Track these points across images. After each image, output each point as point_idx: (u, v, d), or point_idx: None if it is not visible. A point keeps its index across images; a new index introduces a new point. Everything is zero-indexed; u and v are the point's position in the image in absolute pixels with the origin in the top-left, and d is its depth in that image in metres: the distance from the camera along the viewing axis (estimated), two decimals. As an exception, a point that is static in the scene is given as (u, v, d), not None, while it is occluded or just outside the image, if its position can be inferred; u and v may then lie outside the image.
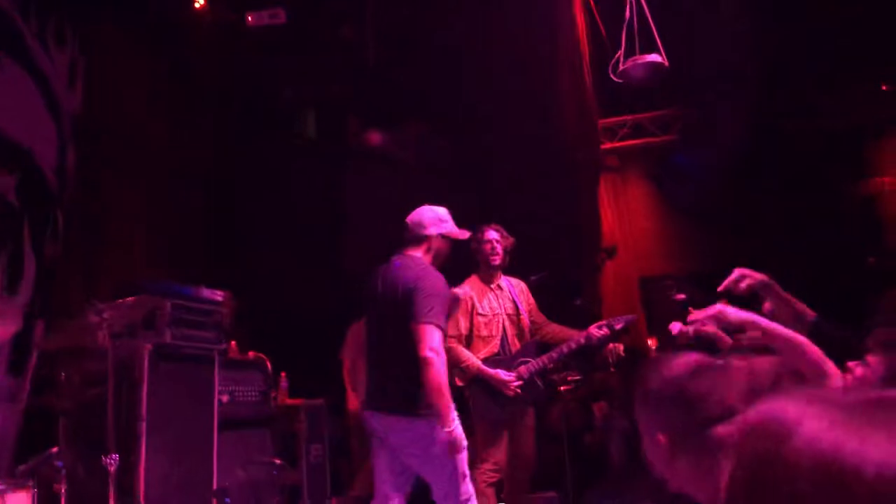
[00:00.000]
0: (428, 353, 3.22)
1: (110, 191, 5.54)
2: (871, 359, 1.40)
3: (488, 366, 4.45)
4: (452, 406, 3.29)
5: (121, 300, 3.34)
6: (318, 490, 5.37)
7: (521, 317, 4.65)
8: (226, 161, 6.72)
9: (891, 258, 8.61)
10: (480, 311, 4.56)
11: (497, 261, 4.59)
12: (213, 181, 6.60)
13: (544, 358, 4.55)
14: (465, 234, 3.77)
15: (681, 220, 8.96)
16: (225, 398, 4.56)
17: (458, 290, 3.85)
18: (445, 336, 3.45)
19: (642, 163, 9.17)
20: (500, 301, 4.64)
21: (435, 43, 7.27)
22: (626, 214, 9.07)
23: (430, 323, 3.28)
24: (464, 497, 3.33)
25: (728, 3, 6.63)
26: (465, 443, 3.33)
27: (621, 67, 5.35)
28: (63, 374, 3.97)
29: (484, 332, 4.54)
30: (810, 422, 0.67)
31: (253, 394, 4.91)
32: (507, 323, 4.59)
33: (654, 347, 9.60)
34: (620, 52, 5.33)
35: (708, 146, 7.79)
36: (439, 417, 3.22)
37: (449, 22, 6.99)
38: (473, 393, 4.46)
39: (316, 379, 6.00)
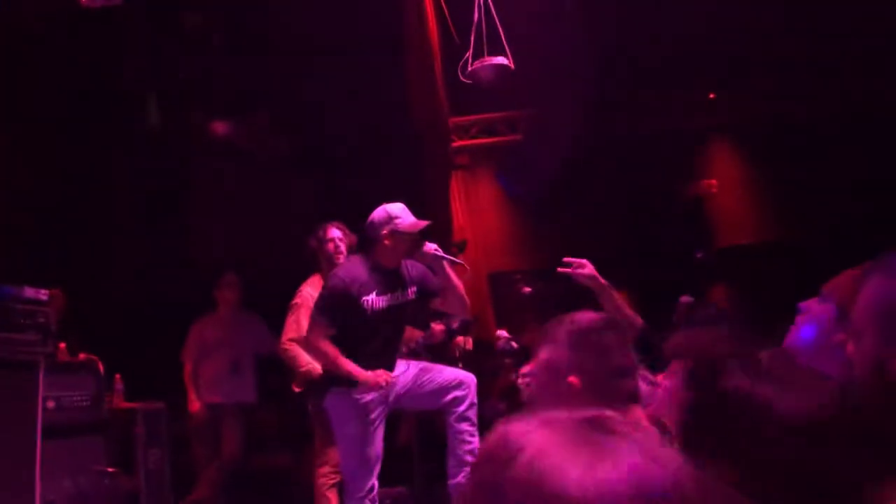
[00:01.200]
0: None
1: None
2: (672, 367, 1.52)
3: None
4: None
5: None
6: (158, 497, 5.14)
7: None
8: (61, 149, 6.28)
9: (716, 255, 9.30)
10: None
11: (341, 259, 4.54)
12: (47, 170, 6.16)
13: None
14: (419, 225, 3.74)
15: (527, 217, 9.27)
16: (51, 404, 4.28)
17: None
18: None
19: (492, 161, 9.39)
20: None
21: (282, 33, 7.12)
22: (476, 211, 9.27)
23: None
24: None
25: (570, 6, 6.89)
26: None
27: (470, 68, 5.46)
28: None
29: None
30: (532, 444, 0.70)
31: (83, 398, 4.63)
32: None
33: (507, 337, 9.88)
34: (469, 54, 5.43)
35: (546, 145, 8.08)
36: None
37: (298, 13, 6.86)
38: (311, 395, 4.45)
39: (156, 381, 5.74)
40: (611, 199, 8.85)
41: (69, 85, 6.46)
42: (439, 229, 8.58)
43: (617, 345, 1.65)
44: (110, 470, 4.63)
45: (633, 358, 1.71)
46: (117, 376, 5.29)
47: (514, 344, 9.53)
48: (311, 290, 4.53)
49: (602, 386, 1.60)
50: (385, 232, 3.69)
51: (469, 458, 3.67)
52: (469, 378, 3.76)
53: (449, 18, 7.19)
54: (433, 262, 3.78)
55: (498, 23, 5.41)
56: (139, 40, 6.94)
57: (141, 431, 5.08)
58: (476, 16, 5.45)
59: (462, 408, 3.70)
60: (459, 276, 3.81)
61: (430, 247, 3.76)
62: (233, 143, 7.88)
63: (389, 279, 3.74)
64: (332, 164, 7.92)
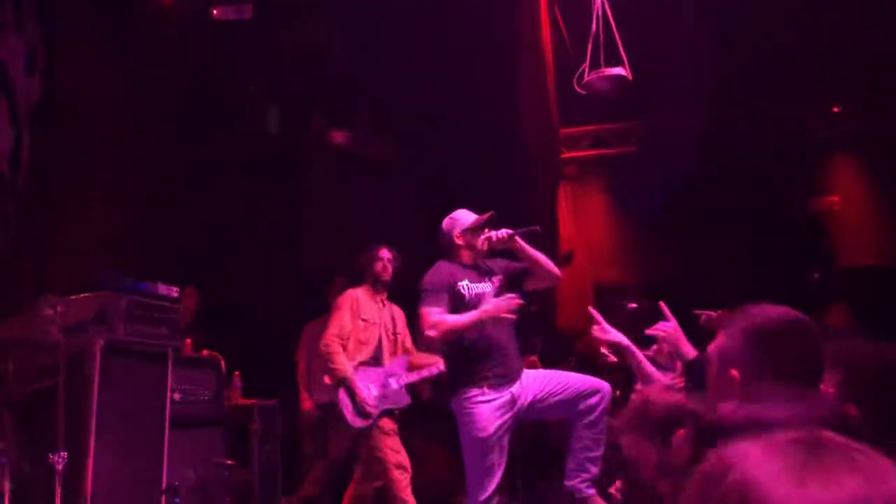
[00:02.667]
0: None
1: (67, 181, 5.42)
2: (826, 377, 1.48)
3: (359, 372, 4.67)
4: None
5: (75, 295, 3.27)
6: (270, 490, 5.32)
7: (398, 336, 4.95)
8: (188, 155, 6.62)
9: (835, 275, 8.86)
10: (363, 315, 4.82)
11: (387, 277, 4.91)
12: (174, 175, 6.50)
13: (414, 375, 4.84)
14: (483, 218, 3.94)
15: (636, 230, 9.10)
16: (177, 396, 4.50)
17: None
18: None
19: (601, 173, 9.29)
20: (382, 315, 4.91)
21: (397, 43, 7.26)
22: (583, 223, 9.18)
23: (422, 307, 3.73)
24: None
25: (688, 20, 6.76)
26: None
27: (586, 79, 5.44)
28: (11, 366, 3.88)
29: (362, 337, 4.79)
30: (744, 461, 0.70)
31: (205, 393, 4.85)
32: (383, 336, 4.86)
33: (606, 352, 9.73)
34: (585, 65, 5.41)
35: (663, 159, 7.93)
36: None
37: (413, 23, 6.99)
38: (341, 401, 4.62)
39: (270, 379, 5.95)
40: (727, 214, 8.59)
41: (197, 92, 6.79)
42: (546, 241, 8.55)
43: (792, 348, 1.55)
44: (228, 462, 4.83)
45: (814, 364, 1.59)
46: (236, 373, 5.52)
47: (611, 358, 9.38)
48: (356, 293, 4.87)
49: (764, 386, 1.54)
50: (456, 233, 3.96)
51: (590, 466, 3.65)
52: (604, 386, 3.75)
53: (563, 27, 7.18)
54: (508, 244, 3.83)
55: (616, 32, 5.37)
56: (262, 50, 7.24)
57: (256, 427, 5.27)
58: (594, 26, 5.42)
59: (595, 415, 3.69)
60: (536, 240, 3.85)
61: (501, 232, 3.83)
62: (345, 150, 8.10)
63: (474, 272, 3.93)
64: (439, 171, 8.01)
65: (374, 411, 4.59)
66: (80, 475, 3.60)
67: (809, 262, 8.77)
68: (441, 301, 3.72)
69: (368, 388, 4.64)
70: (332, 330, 4.73)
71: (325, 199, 7.84)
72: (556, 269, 3.98)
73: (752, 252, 8.38)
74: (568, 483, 3.73)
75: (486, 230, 3.88)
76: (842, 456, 0.69)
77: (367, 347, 4.76)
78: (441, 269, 3.88)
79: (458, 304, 3.76)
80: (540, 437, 5.70)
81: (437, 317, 3.68)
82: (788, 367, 1.53)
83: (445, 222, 4.05)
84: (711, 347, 1.66)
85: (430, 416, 6.87)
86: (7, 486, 2.82)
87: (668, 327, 2.93)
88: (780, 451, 0.71)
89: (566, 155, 9.09)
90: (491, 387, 3.65)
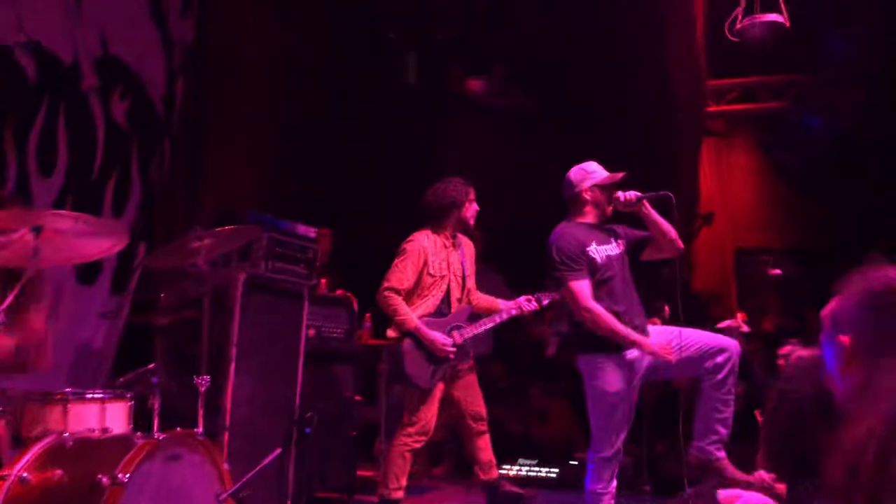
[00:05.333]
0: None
1: (217, 122, 5.67)
2: None
3: (425, 324, 4.33)
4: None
5: (220, 229, 3.43)
6: (395, 429, 5.47)
7: (467, 279, 4.56)
8: (329, 100, 6.78)
9: None
10: (430, 270, 4.42)
11: (473, 223, 4.56)
12: (319, 121, 6.68)
13: (478, 326, 4.44)
14: (616, 177, 3.75)
15: (784, 191, 8.59)
16: (311, 332, 4.67)
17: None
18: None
19: (749, 129, 8.79)
20: (452, 261, 4.50)
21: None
22: (727, 181, 8.76)
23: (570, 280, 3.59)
24: None
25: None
26: None
27: (738, 26, 5.11)
28: (162, 294, 4.14)
29: (426, 292, 4.43)
30: None
31: (338, 330, 5.01)
32: (452, 284, 4.48)
33: (742, 320, 9.32)
34: (739, 10, 5.08)
35: (823, 115, 7.39)
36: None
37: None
38: (404, 353, 4.32)
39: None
40: (883, 180, 7.95)
41: (343, 40, 6.91)
42: (684, 199, 8.23)
43: None
44: (357, 398, 5.00)
45: None
46: (367, 315, 5.67)
47: (744, 327, 8.96)
48: (425, 242, 4.44)
49: (876, 355, 1.43)
50: (585, 187, 3.76)
51: (719, 427, 3.53)
52: (732, 344, 3.59)
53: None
54: (636, 208, 3.66)
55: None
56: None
57: (384, 367, 5.41)
58: (750, -32, 5.07)
59: (722, 375, 3.54)
60: (666, 205, 3.65)
61: (630, 194, 3.67)
62: (483, 101, 8.04)
63: (600, 232, 3.76)
64: (578, 122, 7.82)
65: (453, 354, 4.31)
66: (220, 398, 3.82)
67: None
68: (585, 273, 3.60)
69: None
70: (391, 282, 4.38)
71: (462, 148, 7.84)
72: (679, 242, 3.74)
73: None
74: (696, 445, 3.62)
75: (616, 190, 3.73)
76: None
77: (429, 301, 4.42)
78: (569, 235, 3.71)
79: (593, 270, 3.64)
80: (669, 395, 5.55)
81: (596, 306, 3.55)
82: None
83: (575, 172, 3.83)
84: (825, 310, 1.55)
85: (552, 372, 6.84)
86: (157, 403, 3.02)
87: None
88: None
89: (712, 109, 8.65)
90: (616, 350, 3.56)
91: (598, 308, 3.56)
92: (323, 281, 5.45)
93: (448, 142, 7.96)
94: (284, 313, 4.40)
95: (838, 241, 8.10)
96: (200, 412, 3.12)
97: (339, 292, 5.48)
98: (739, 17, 5.16)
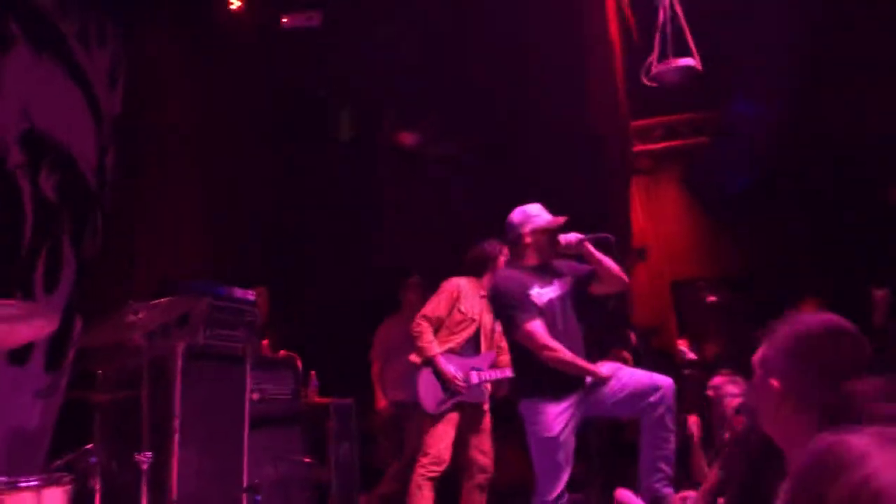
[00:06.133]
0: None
1: (149, 191, 5.64)
2: None
3: (445, 357, 4.69)
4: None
5: (157, 300, 3.41)
6: (347, 488, 5.43)
7: (495, 332, 4.87)
8: (262, 159, 6.80)
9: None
10: (462, 307, 4.80)
11: None
12: (249, 179, 6.69)
13: (494, 373, 4.79)
14: (558, 221, 3.85)
15: (711, 223, 8.90)
16: (256, 396, 4.63)
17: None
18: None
19: (675, 165, 9.11)
20: (483, 310, 4.84)
21: (464, 42, 7.27)
22: (657, 217, 9.02)
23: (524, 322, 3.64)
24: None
25: (762, 5, 6.55)
26: None
27: (654, 71, 5.33)
28: (99, 370, 4.07)
29: (456, 328, 4.79)
30: (870, 461, 0.68)
31: (283, 392, 4.98)
32: (482, 330, 4.83)
33: (685, 349, 9.53)
34: (653, 56, 5.31)
35: (741, 148, 7.71)
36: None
37: (484, 19, 6.99)
38: (420, 378, 4.67)
39: (345, 378, 6.06)
40: (805, 204, 8.30)
41: (273, 99, 6.97)
42: (619, 235, 8.43)
43: (837, 356, 1.51)
44: (307, 460, 4.95)
45: (859, 372, 1.55)
46: (312, 373, 5.64)
47: (690, 355, 9.17)
48: (462, 282, 4.85)
49: (805, 397, 1.50)
50: (526, 231, 3.84)
51: (663, 465, 3.60)
52: (666, 382, 3.68)
53: (631, 19, 7.06)
54: (578, 250, 3.77)
55: (684, 22, 5.25)
56: (333, 57, 7.35)
57: (333, 425, 5.38)
58: (661, 16, 5.32)
59: (658, 413, 3.62)
60: (606, 245, 3.77)
61: (571, 236, 3.76)
62: (415, 150, 8.17)
63: (541, 274, 3.83)
64: (510, 167, 7.99)
65: (463, 389, 4.61)
66: (164, 474, 3.76)
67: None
68: (535, 314, 3.66)
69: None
70: (425, 311, 4.79)
71: (398, 198, 7.93)
72: (624, 276, 3.85)
73: (833, 242, 8.08)
74: (644, 483, 3.69)
75: (558, 233, 3.83)
76: None
77: (457, 338, 4.77)
78: (512, 279, 3.80)
79: (537, 314, 3.70)
80: (616, 434, 5.64)
81: (555, 343, 3.62)
82: (830, 377, 1.48)
83: (517, 215, 3.91)
84: (755, 357, 1.62)
85: (505, 414, 6.88)
86: (98, 484, 2.96)
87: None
88: None
89: (638, 148, 8.95)
90: (558, 393, 3.63)
91: (557, 345, 3.63)
92: (265, 342, 5.42)
93: (383, 193, 8.04)
94: (227, 380, 4.36)
95: (764, 268, 8.41)
96: (144, 490, 3.07)
97: (282, 353, 5.46)
98: (654, 61, 5.38)
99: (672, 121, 8.96)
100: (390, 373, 5.96)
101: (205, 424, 4.09)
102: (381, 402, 5.97)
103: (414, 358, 4.77)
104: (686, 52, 5.30)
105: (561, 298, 3.81)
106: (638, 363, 7.90)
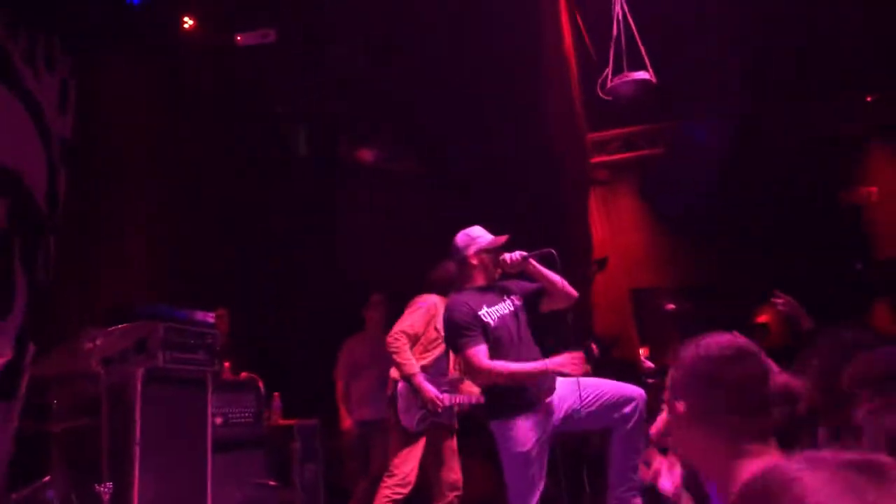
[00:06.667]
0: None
1: (104, 213, 5.54)
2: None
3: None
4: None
5: (113, 326, 3.34)
6: (312, 510, 5.37)
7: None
8: (219, 179, 6.72)
9: (877, 267, 8.69)
10: (437, 325, 4.71)
11: None
12: (206, 200, 6.60)
13: (463, 397, 4.77)
14: (501, 240, 3.85)
15: (669, 232, 9.02)
16: (219, 420, 4.56)
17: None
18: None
19: (632, 176, 9.23)
20: None
21: (420, 59, 7.30)
22: (616, 227, 9.12)
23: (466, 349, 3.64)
24: None
25: (713, 15, 6.69)
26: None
27: (609, 85, 5.41)
28: (55, 399, 3.96)
29: (431, 345, 4.74)
30: (800, 484, 0.69)
31: (246, 415, 4.91)
32: (452, 352, 4.76)
33: (645, 356, 9.63)
34: (608, 70, 5.38)
35: (694, 158, 7.85)
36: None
37: (438, 34, 7.02)
38: (399, 394, 4.61)
39: (309, 398, 6.00)
40: (760, 211, 8.47)
41: (225, 118, 6.90)
42: (579, 247, 8.51)
43: (740, 377, 1.53)
44: (271, 483, 4.88)
45: (765, 393, 1.55)
46: (275, 394, 5.57)
47: (648, 363, 9.27)
48: (436, 301, 4.75)
49: (712, 418, 1.51)
50: (471, 252, 3.86)
51: (632, 475, 3.61)
52: (638, 393, 3.69)
53: (585, 34, 7.16)
54: (522, 268, 3.80)
55: (637, 37, 5.33)
56: (288, 75, 7.32)
57: (297, 447, 5.31)
58: (615, 30, 5.40)
59: (630, 425, 3.63)
60: (552, 262, 3.78)
61: (515, 254, 3.79)
62: (374, 167, 8.15)
63: (489, 294, 3.84)
64: (470, 182, 8.02)
65: (443, 410, 4.58)
66: (126, 502, 3.67)
67: (849, 256, 8.62)
68: (480, 339, 3.66)
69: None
70: (401, 326, 4.70)
71: (358, 216, 7.90)
72: (572, 291, 3.84)
73: (788, 248, 8.26)
74: (613, 494, 3.70)
75: (502, 252, 3.84)
76: None
77: (430, 356, 4.72)
78: (460, 303, 3.78)
79: (486, 333, 3.69)
80: (582, 446, 5.65)
81: (491, 363, 3.61)
82: (733, 397, 1.50)
83: (460, 238, 3.94)
84: (667, 378, 1.64)
85: (468, 431, 6.87)
86: (56, 517, 2.87)
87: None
88: (840, 476, 0.70)
89: (595, 160, 9.05)
90: (525, 409, 3.63)
91: (493, 364, 3.62)
92: (227, 364, 5.34)
93: (343, 210, 8.01)
94: (188, 404, 4.29)
95: (724, 273, 8.55)
96: (105, 522, 2.99)
97: (243, 375, 5.38)
98: (609, 76, 5.46)
99: (628, 133, 9.08)
100: (354, 391, 5.91)
101: (166, 450, 4.02)
102: (347, 423, 5.91)
103: (394, 373, 4.70)
104: (641, 66, 5.40)
105: (513, 315, 3.81)
106: (600, 374, 7.97)
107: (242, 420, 4.85)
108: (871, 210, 8.82)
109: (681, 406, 1.55)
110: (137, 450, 3.82)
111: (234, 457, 4.69)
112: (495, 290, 3.88)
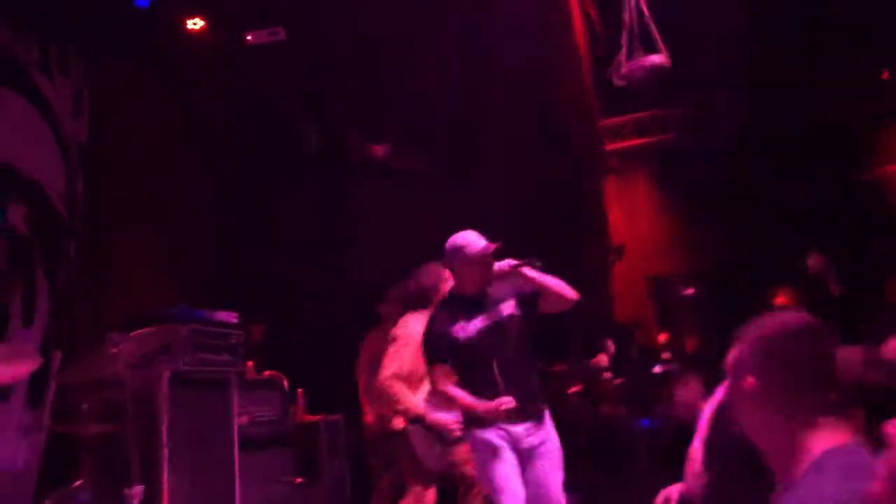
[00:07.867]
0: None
1: (121, 217, 5.56)
2: None
3: (428, 407, 4.38)
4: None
5: (137, 331, 3.36)
6: (340, 505, 5.38)
7: None
8: (234, 181, 6.74)
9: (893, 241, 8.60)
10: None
11: None
12: (221, 202, 6.62)
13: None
14: (490, 248, 3.72)
15: (684, 218, 8.97)
16: (244, 419, 4.58)
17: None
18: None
19: (645, 162, 9.17)
20: None
21: (432, 50, 7.27)
22: (630, 214, 9.09)
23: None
24: None
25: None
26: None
27: (623, 70, 5.37)
28: (84, 405, 3.98)
29: (424, 378, 4.38)
30: None
31: (271, 413, 4.92)
32: None
33: (664, 342, 9.59)
34: (622, 55, 5.34)
35: (708, 142, 7.80)
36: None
37: (447, 28, 6.99)
38: (413, 440, 4.39)
39: (334, 394, 6.00)
40: (777, 193, 8.41)
41: (237, 118, 6.90)
42: (596, 235, 8.47)
43: (807, 354, 1.54)
44: (298, 480, 4.90)
45: (831, 369, 1.57)
46: (300, 391, 5.58)
47: (665, 354, 9.21)
48: (417, 326, 4.33)
49: (783, 394, 1.53)
50: (456, 262, 3.74)
51: None
52: None
53: (595, 20, 7.11)
54: (513, 276, 3.72)
55: (650, 21, 5.29)
56: (298, 71, 7.31)
57: (323, 443, 5.32)
58: (627, 16, 5.36)
59: None
60: (541, 271, 3.72)
61: (504, 264, 3.71)
62: (386, 163, 8.14)
63: (474, 305, 3.74)
64: (484, 175, 8.00)
65: (460, 431, 4.25)
66: (156, 505, 3.70)
67: (867, 234, 8.54)
68: (445, 356, 3.64)
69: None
70: (388, 371, 4.47)
71: (372, 211, 7.89)
72: (569, 294, 3.72)
73: (806, 229, 8.19)
74: None
75: (492, 260, 3.73)
76: None
77: (424, 385, 4.42)
78: (436, 323, 3.75)
79: (454, 349, 3.64)
80: (606, 438, 5.65)
81: (448, 389, 3.62)
82: (799, 374, 1.51)
83: (450, 244, 3.79)
84: (728, 357, 1.65)
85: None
86: (89, 521, 2.90)
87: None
88: None
89: (609, 147, 9.00)
90: (480, 425, 3.58)
91: (446, 388, 3.61)
92: (250, 364, 5.35)
93: (355, 208, 8.00)
94: (213, 405, 4.31)
95: (740, 257, 8.49)
96: (137, 525, 3.01)
97: (266, 373, 5.39)
98: (624, 61, 5.42)
99: (639, 118, 9.02)
100: (377, 385, 5.89)
101: (194, 452, 4.04)
102: (369, 417, 5.90)
103: (398, 423, 4.50)
104: (653, 50, 5.36)
105: (500, 325, 3.71)
106: (617, 372, 7.95)
107: (268, 418, 4.86)
108: (889, 186, 8.74)
109: (749, 382, 1.56)
110: (166, 452, 3.84)
111: (261, 455, 4.70)
112: (483, 299, 3.76)
